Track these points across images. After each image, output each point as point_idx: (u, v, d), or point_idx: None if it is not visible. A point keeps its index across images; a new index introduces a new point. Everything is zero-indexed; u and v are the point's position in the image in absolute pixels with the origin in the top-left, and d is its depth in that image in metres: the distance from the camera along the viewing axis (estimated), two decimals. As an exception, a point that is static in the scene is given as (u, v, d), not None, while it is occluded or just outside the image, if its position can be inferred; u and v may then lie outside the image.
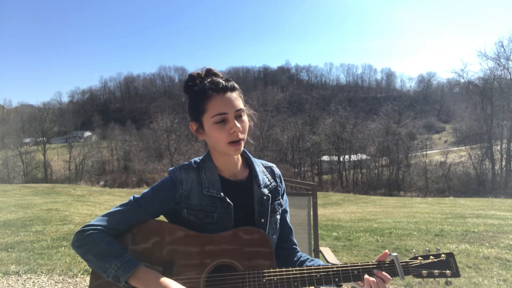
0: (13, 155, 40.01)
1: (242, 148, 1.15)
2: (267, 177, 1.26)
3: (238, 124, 1.09)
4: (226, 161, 1.19)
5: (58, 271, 3.51)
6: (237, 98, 1.11)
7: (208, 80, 1.12)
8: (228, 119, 1.09)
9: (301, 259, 1.25)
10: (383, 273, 1.04)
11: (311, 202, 2.30)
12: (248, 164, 1.27)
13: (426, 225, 6.41)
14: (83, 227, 1.06)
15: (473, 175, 31.32)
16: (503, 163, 30.67)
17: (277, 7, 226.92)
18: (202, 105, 1.10)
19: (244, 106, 1.15)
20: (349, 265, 1.07)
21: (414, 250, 1.12)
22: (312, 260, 1.23)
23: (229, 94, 1.10)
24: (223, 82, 1.10)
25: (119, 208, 1.10)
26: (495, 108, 30.90)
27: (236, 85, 1.13)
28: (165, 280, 0.99)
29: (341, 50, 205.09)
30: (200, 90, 1.11)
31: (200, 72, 1.17)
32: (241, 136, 1.11)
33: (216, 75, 1.16)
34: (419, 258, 1.08)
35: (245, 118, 1.14)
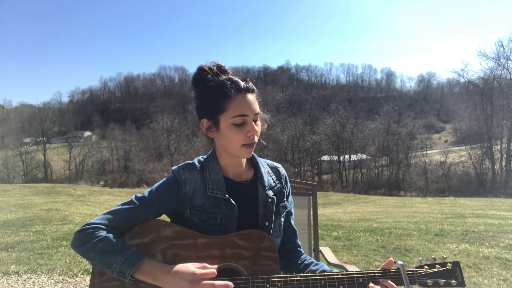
0: (13, 155, 40.00)
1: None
2: (272, 178, 1.23)
3: (256, 127, 1.08)
4: (232, 161, 1.17)
5: (58, 271, 3.50)
6: (255, 101, 1.10)
7: (224, 77, 1.09)
8: (247, 122, 1.07)
9: (305, 262, 1.23)
10: (389, 281, 1.03)
11: (311, 202, 2.30)
12: (253, 164, 1.24)
13: (426, 225, 6.41)
14: (83, 226, 1.03)
15: (473, 175, 31.30)
16: (503, 163, 30.64)
17: (277, 7, 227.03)
18: (222, 104, 1.06)
19: (260, 109, 1.13)
20: (354, 272, 1.05)
21: (420, 258, 1.11)
22: (317, 264, 1.21)
23: (249, 95, 1.08)
24: (243, 83, 1.08)
25: (120, 207, 1.08)
26: (495, 108, 30.90)
27: (254, 87, 1.11)
28: (172, 268, 0.97)
29: (341, 50, 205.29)
30: (219, 87, 1.06)
31: (211, 67, 1.12)
32: (256, 139, 1.10)
33: (227, 72, 1.12)
34: (425, 267, 1.07)
35: (259, 122, 1.13)
